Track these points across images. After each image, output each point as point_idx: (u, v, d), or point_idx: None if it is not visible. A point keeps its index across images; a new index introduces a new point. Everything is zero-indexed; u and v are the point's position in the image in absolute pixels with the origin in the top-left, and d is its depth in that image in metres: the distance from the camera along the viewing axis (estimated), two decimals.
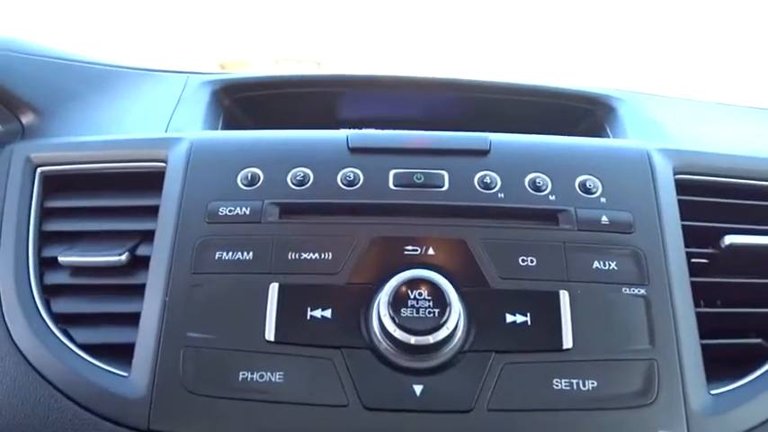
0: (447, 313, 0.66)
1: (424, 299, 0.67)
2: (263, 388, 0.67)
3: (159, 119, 0.95)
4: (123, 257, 0.75)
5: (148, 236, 0.76)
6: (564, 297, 0.70)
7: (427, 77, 1.11)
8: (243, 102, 1.07)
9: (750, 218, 0.79)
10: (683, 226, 0.76)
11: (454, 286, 0.68)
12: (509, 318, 0.69)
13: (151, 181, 0.79)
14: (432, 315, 0.66)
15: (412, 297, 0.67)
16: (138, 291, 0.73)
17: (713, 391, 0.69)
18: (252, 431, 0.66)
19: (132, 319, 0.72)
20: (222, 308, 0.70)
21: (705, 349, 0.71)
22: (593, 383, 0.67)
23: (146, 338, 0.70)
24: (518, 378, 0.67)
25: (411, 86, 1.09)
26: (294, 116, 1.12)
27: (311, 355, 0.68)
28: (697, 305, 0.73)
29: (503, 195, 0.75)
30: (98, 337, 0.73)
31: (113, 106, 0.97)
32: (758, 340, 0.73)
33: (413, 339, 0.65)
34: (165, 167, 0.78)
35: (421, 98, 1.11)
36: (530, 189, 0.76)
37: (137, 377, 0.69)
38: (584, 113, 1.09)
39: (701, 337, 0.71)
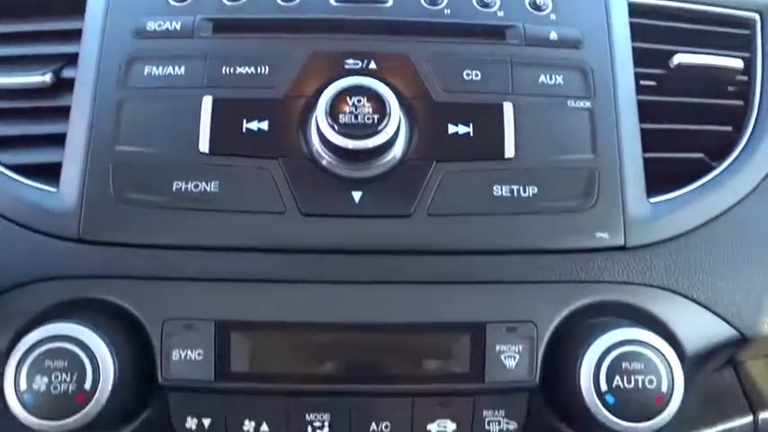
0: (387, 120, 0.64)
1: (364, 105, 0.65)
2: (198, 197, 0.65)
3: None
4: (47, 78, 0.72)
5: (74, 59, 0.72)
6: (507, 108, 0.68)
7: None
8: None
9: (699, 42, 0.78)
10: (633, 48, 0.75)
11: (396, 97, 0.66)
12: (451, 128, 0.68)
13: (75, 4, 0.74)
14: (371, 121, 0.64)
15: (350, 104, 0.65)
16: (65, 113, 0.70)
17: (652, 200, 0.70)
18: (186, 239, 0.65)
19: (59, 141, 0.69)
20: (152, 122, 0.67)
21: (648, 164, 0.71)
22: (533, 190, 0.66)
23: (73, 155, 0.67)
24: (458, 185, 0.66)
25: None
26: None
27: (248, 165, 0.66)
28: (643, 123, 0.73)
29: (449, 11, 0.73)
30: (25, 158, 0.70)
31: None
32: (700, 155, 0.73)
33: (351, 144, 0.63)
34: None
35: None
36: (477, 5, 0.73)
37: (65, 191, 0.67)
38: None
39: (645, 151, 0.71)
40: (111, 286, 0.64)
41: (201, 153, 0.66)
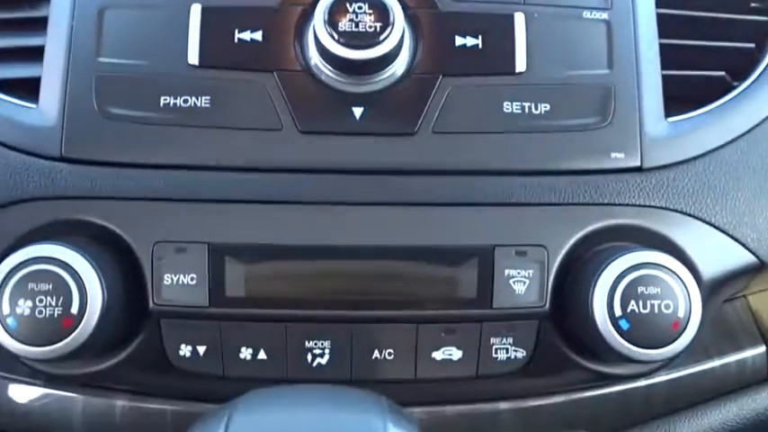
0: (390, 29, 0.59)
1: (365, 13, 0.60)
2: (188, 112, 0.61)
3: None
4: None
5: None
6: (519, 19, 0.63)
7: None
8: None
9: None
10: None
11: (401, 5, 0.61)
12: (459, 40, 0.63)
13: None
14: (373, 30, 0.60)
15: (351, 12, 0.60)
16: (42, 24, 0.65)
17: (670, 120, 0.66)
18: (175, 158, 0.61)
19: (37, 54, 0.64)
20: (136, 32, 0.63)
21: (666, 82, 0.67)
22: (545, 107, 0.62)
23: (52, 67, 0.63)
24: (466, 101, 0.62)
25: None
26: None
27: (241, 78, 0.61)
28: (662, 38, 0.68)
29: None
30: (0, 73, 0.66)
31: None
32: (721, 72, 0.69)
33: (351, 54, 0.59)
34: None
35: None
36: None
37: (46, 106, 0.62)
38: None
39: (664, 68, 0.67)
40: (97, 207, 0.60)
41: (190, 65, 0.62)
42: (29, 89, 0.65)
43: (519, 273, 0.61)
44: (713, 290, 0.64)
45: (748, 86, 0.69)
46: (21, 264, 0.56)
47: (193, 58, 0.62)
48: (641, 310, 0.57)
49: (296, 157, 0.61)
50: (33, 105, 0.63)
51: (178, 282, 0.59)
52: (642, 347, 0.57)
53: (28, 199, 0.61)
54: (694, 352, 0.70)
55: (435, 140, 0.61)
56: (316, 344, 0.60)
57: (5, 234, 0.60)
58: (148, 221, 0.60)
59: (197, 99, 0.61)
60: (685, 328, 0.58)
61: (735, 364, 0.72)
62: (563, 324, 0.62)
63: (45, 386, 0.65)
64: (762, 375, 0.72)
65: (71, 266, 0.56)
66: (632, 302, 0.57)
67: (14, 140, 0.62)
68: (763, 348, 0.73)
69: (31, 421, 0.66)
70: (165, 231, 0.60)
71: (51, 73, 0.63)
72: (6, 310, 0.55)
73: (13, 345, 0.55)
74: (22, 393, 0.66)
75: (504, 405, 0.66)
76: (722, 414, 0.71)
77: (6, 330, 0.55)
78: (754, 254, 0.65)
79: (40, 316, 0.55)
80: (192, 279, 0.59)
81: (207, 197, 0.60)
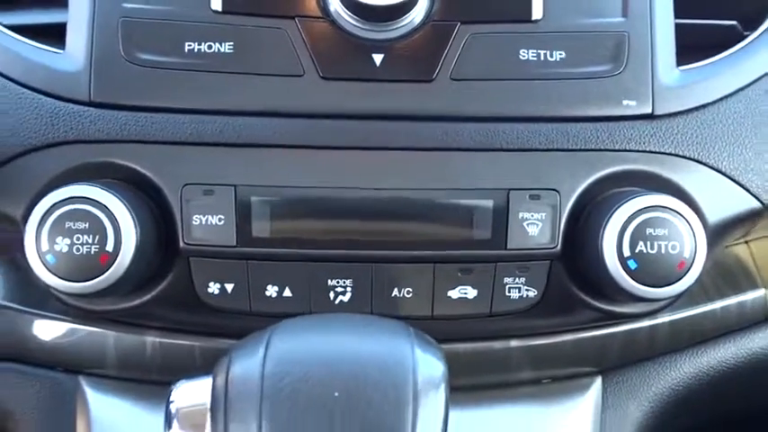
0: None
1: None
2: (212, 58, 0.62)
3: None
4: None
5: None
6: None
7: None
8: None
9: None
10: None
11: None
12: None
13: None
14: None
15: None
16: None
17: (682, 68, 0.67)
18: (201, 103, 0.63)
19: (62, 2, 0.66)
20: None
21: (678, 31, 0.68)
22: (561, 54, 0.64)
23: (78, 13, 0.64)
24: (483, 48, 0.63)
25: None
26: None
27: (263, 25, 0.63)
28: None
29: None
30: (27, 18, 0.67)
31: None
32: (733, 22, 0.70)
33: (371, 0, 0.60)
34: None
35: None
36: None
37: (72, 52, 0.64)
38: None
39: (677, 17, 0.68)
40: (127, 150, 0.63)
41: (214, 11, 0.63)
42: (57, 35, 0.66)
43: (532, 216, 0.63)
44: (717, 233, 0.67)
45: (759, 36, 0.70)
46: (58, 203, 0.58)
47: (216, 3, 0.63)
48: (649, 251, 0.60)
49: (317, 103, 0.63)
50: (61, 51, 0.65)
51: (206, 222, 0.62)
52: (649, 286, 0.60)
53: (60, 142, 0.63)
54: (696, 294, 0.74)
55: (453, 87, 0.63)
56: (338, 282, 0.63)
57: (39, 176, 0.63)
58: (176, 164, 0.62)
59: (220, 45, 0.63)
60: (690, 268, 0.60)
61: (734, 306, 0.75)
62: (573, 265, 0.64)
63: (78, 322, 0.68)
64: (759, 317, 0.76)
65: (106, 206, 0.58)
66: (640, 243, 0.60)
67: (44, 85, 0.64)
68: (761, 292, 0.76)
69: (64, 356, 0.70)
70: (193, 174, 0.62)
71: (77, 18, 0.64)
72: (45, 247, 0.58)
73: (53, 280, 0.58)
74: (55, 329, 0.69)
75: (514, 343, 0.69)
76: (721, 353, 0.75)
77: (46, 266, 0.58)
78: (757, 198, 0.67)
79: (78, 253, 0.58)
80: (219, 220, 0.62)
81: (232, 141, 0.63)
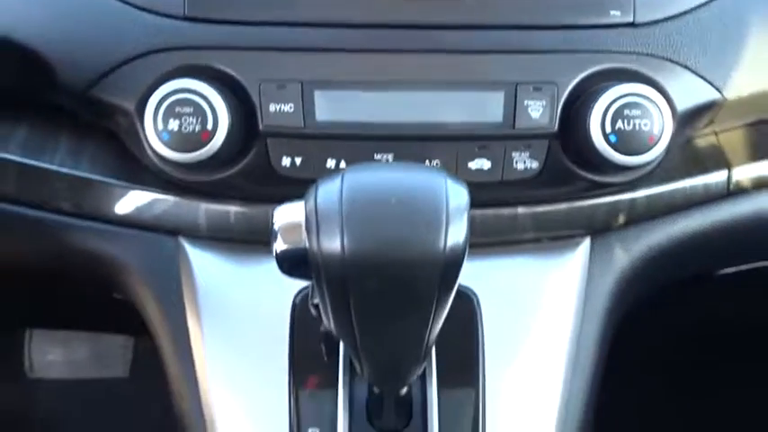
0: None
1: None
2: None
3: None
4: None
5: None
6: None
7: None
8: None
9: None
10: None
11: None
12: None
13: None
14: None
15: None
16: None
17: None
18: (271, 15, 0.79)
19: None
20: None
21: None
22: None
23: None
24: None
25: None
26: None
27: None
28: None
29: None
30: None
31: None
32: None
33: None
34: None
35: None
36: None
37: None
38: None
39: None
40: (216, 56, 0.79)
41: None
42: None
43: (535, 103, 0.79)
44: (685, 118, 0.82)
45: None
46: (168, 94, 0.75)
47: None
48: (626, 128, 0.76)
49: (367, 16, 0.80)
50: None
51: (280, 110, 0.78)
52: (626, 155, 0.77)
53: (160, 50, 0.79)
54: (669, 174, 0.90)
55: (474, 2, 0.81)
56: (382, 156, 0.80)
57: (146, 76, 0.78)
58: (256, 66, 0.79)
59: None
60: (658, 141, 0.77)
61: (701, 184, 0.90)
62: (567, 142, 0.81)
63: (175, 194, 0.85)
64: (722, 193, 0.92)
65: (205, 96, 0.75)
66: (619, 121, 0.76)
67: (144, 3, 0.80)
68: (725, 173, 0.92)
69: (164, 223, 0.87)
70: (269, 73, 0.79)
71: None
72: (161, 126, 0.75)
73: (167, 153, 0.76)
74: (155, 200, 0.86)
75: (521, 209, 0.86)
76: (689, 222, 0.91)
77: (162, 142, 0.75)
78: (719, 91, 0.83)
79: (185, 131, 0.75)
80: (290, 107, 0.78)
81: (298, 46, 0.80)
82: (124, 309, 0.96)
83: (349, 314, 0.60)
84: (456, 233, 0.57)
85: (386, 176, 0.60)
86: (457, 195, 0.58)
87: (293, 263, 0.62)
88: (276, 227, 0.63)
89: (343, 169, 0.61)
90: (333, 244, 0.57)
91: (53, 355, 1.67)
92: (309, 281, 0.63)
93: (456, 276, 0.60)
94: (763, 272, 1.11)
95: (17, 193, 0.86)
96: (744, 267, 1.05)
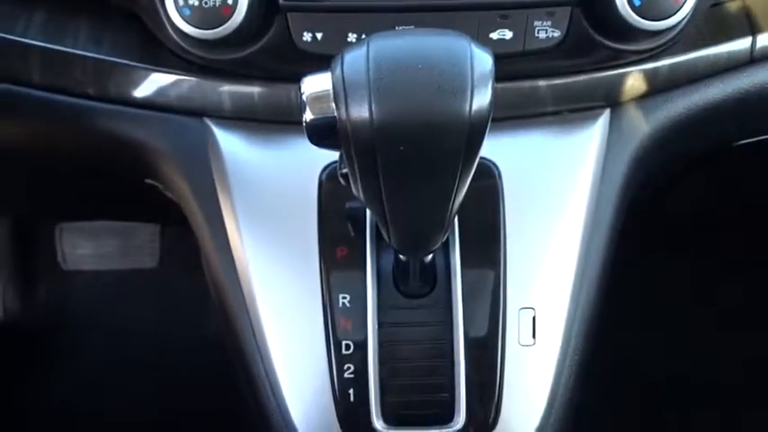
0: None
1: None
2: None
3: None
4: None
5: None
6: None
7: None
8: None
9: None
10: None
11: None
12: None
13: None
14: None
15: None
16: None
17: None
18: None
19: None
20: None
21: None
22: None
23: None
24: None
25: None
26: None
27: None
28: None
29: None
30: None
31: None
32: None
33: None
34: None
35: None
36: None
37: None
38: None
39: None
40: None
41: None
42: None
43: None
44: None
45: None
46: None
47: None
48: None
49: None
50: None
51: None
52: (650, 20, 0.77)
53: None
54: (693, 42, 0.89)
55: None
56: (403, 28, 0.80)
57: None
58: None
59: None
60: (684, 3, 0.76)
61: (725, 52, 0.90)
62: (591, 10, 0.80)
63: (198, 75, 0.86)
64: (746, 60, 0.91)
65: None
66: None
67: None
68: (749, 39, 0.91)
69: (188, 105, 0.88)
70: None
71: None
72: (182, 2, 0.75)
73: (188, 28, 0.76)
74: (178, 81, 0.86)
75: (541, 82, 0.87)
76: (711, 90, 0.91)
77: (183, 17, 0.76)
78: None
79: (206, 5, 0.75)
80: None
81: None
82: (151, 197, 0.99)
83: (377, 181, 0.62)
84: (481, 99, 0.58)
85: (411, 43, 0.60)
86: (482, 62, 0.59)
87: (322, 133, 0.64)
88: (304, 97, 0.63)
89: (367, 38, 0.61)
90: (361, 112, 0.58)
91: (83, 249, 1.74)
92: (338, 150, 0.65)
93: (480, 142, 0.61)
94: None
95: (42, 78, 0.87)
96: (763, 137, 1.05)
